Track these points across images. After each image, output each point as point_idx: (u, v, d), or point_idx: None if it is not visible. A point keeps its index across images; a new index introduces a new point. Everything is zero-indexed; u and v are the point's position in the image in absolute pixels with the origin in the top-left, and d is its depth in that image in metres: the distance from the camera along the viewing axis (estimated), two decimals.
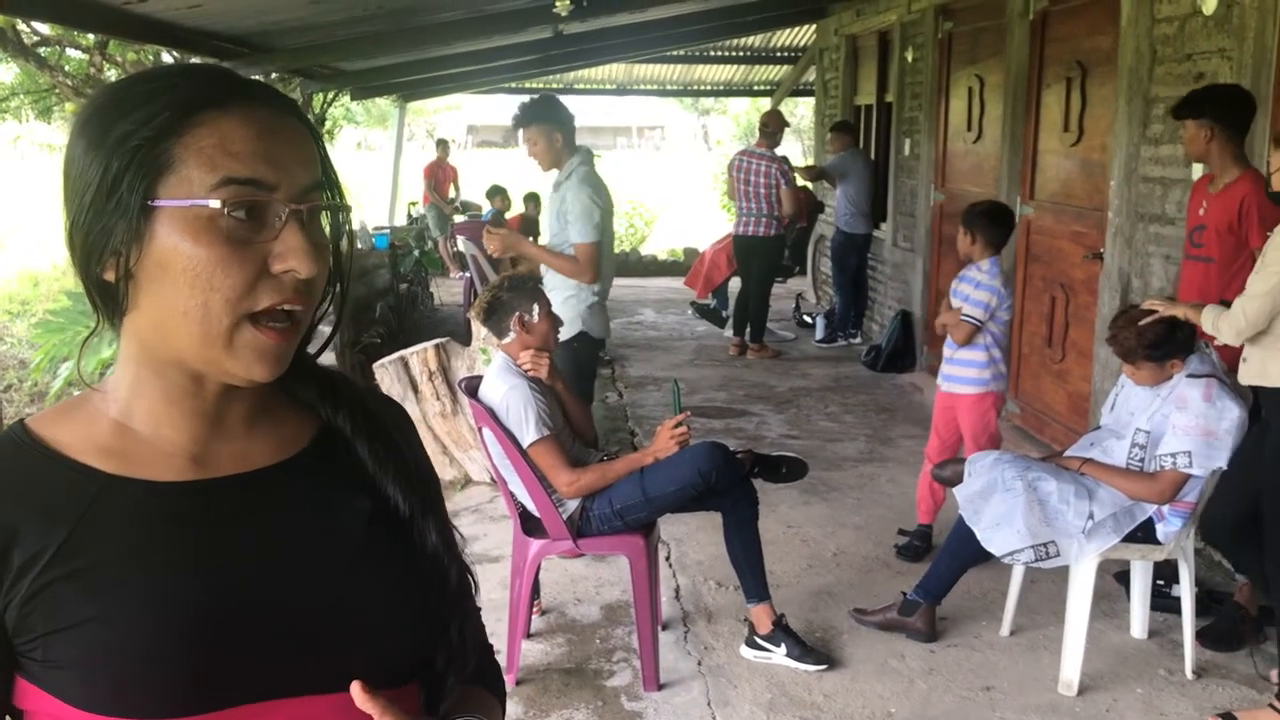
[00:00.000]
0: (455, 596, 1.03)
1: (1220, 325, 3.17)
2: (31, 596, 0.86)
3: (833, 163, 8.84)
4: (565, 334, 4.04)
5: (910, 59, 8.14)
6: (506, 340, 3.54)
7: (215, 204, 0.85)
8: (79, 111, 0.90)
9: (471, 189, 15.20)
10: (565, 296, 4.35)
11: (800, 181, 9.09)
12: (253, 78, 0.95)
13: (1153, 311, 3.39)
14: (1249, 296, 3.08)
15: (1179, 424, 3.33)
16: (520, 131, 4.45)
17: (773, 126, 8.36)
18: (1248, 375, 3.29)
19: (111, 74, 9.16)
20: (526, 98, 4.55)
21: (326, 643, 0.92)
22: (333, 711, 0.90)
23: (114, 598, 0.86)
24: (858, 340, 8.91)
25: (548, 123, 4.40)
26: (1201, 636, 3.61)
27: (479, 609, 1.08)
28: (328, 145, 1.01)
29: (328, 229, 0.94)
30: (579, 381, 4.31)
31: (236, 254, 0.86)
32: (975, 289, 4.27)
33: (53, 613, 0.86)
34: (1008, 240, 4.38)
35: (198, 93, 0.87)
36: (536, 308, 3.54)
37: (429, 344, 5.56)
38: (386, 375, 5.47)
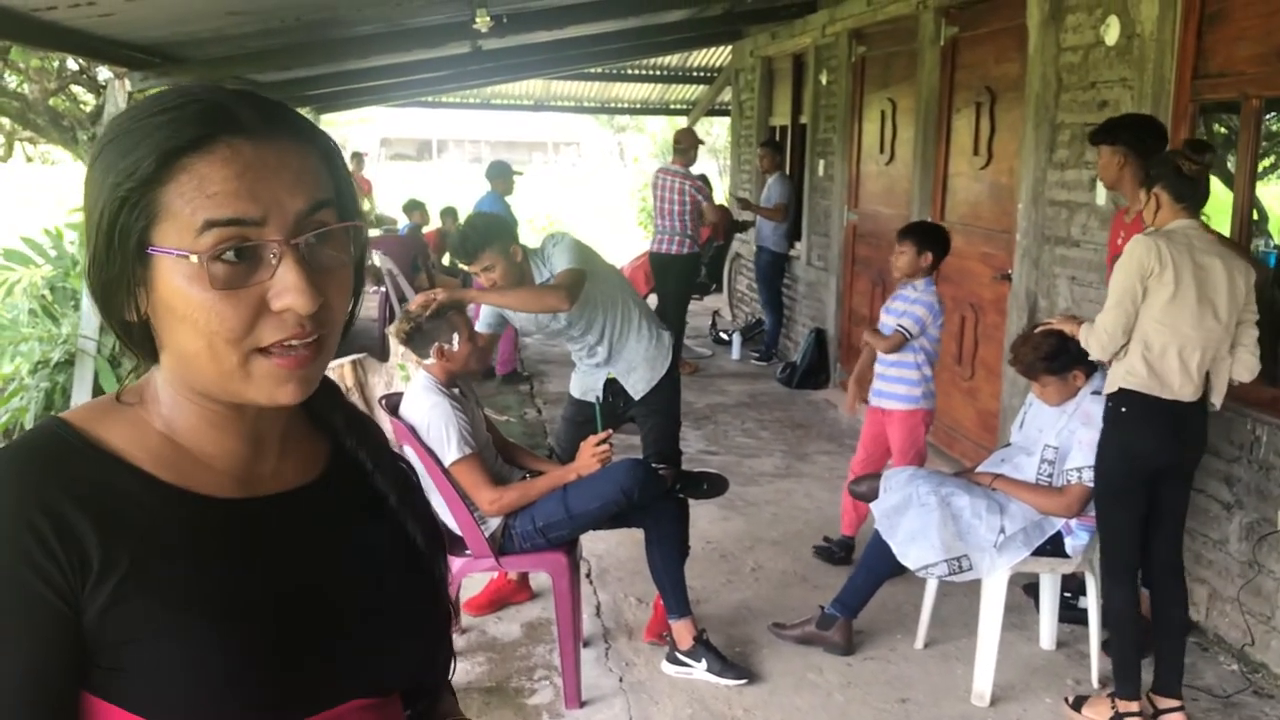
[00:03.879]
0: (444, 625, 1.09)
1: (1089, 341, 3.30)
2: (110, 605, 0.84)
3: (780, 193, 8.88)
4: (653, 379, 4.14)
5: (825, 82, 8.29)
6: (427, 363, 3.52)
7: (194, 259, 0.84)
8: (97, 141, 0.89)
9: (386, 203, 15.07)
10: (644, 346, 4.15)
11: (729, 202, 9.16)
12: (250, 94, 0.91)
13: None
14: (1104, 309, 3.23)
15: (1085, 439, 3.45)
16: (473, 265, 3.81)
17: (685, 144, 8.41)
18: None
19: (12, 80, 8.92)
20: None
21: (362, 653, 0.97)
22: (361, 712, 0.96)
23: (187, 610, 0.86)
24: (773, 359, 9.03)
25: (499, 239, 3.83)
26: (1107, 647, 3.72)
27: (452, 646, 1.14)
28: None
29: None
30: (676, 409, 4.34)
31: (230, 298, 0.85)
32: (910, 304, 4.36)
33: (125, 623, 0.85)
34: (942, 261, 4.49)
35: (180, 135, 0.85)
36: (456, 336, 3.51)
37: (345, 359, 5.50)
38: None
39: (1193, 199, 3.22)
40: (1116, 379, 3.24)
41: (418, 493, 1.09)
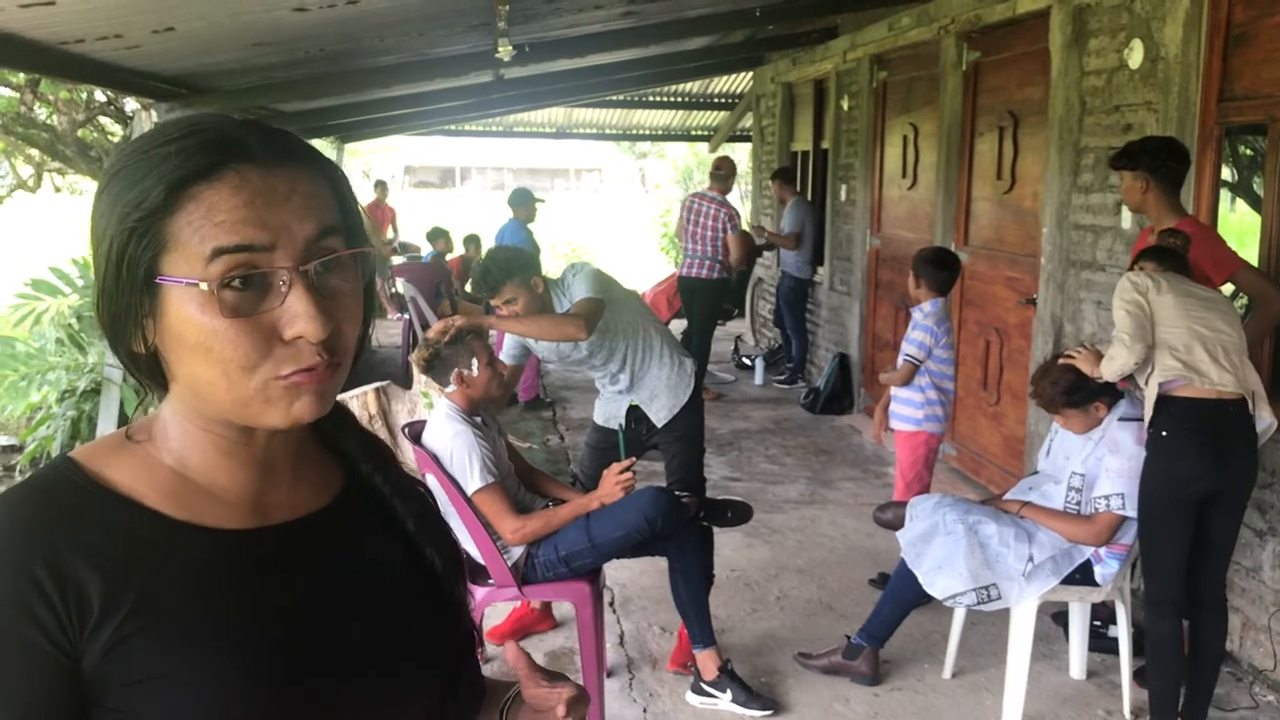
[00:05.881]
0: (467, 648, 1.07)
1: (1109, 365, 3.31)
2: (113, 646, 0.83)
3: (796, 217, 8.89)
4: (675, 406, 4.10)
5: (846, 107, 8.29)
6: (449, 390, 3.52)
7: (204, 286, 0.83)
8: (103, 173, 0.89)
9: (410, 230, 15.15)
10: (666, 374, 4.12)
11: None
12: (255, 123, 0.91)
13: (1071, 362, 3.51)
14: (1116, 328, 3.27)
15: (1112, 467, 3.41)
16: (496, 299, 3.81)
17: (725, 170, 8.39)
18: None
19: (41, 112, 9.04)
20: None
21: (381, 681, 0.95)
22: None
23: (193, 650, 0.85)
24: (797, 382, 9.00)
25: (520, 272, 3.81)
26: (1138, 676, 3.66)
27: (479, 664, 1.12)
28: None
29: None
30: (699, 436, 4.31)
31: (241, 326, 0.85)
32: (912, 330, 4.39)
33: (131, 664, 0.83)
34: (951, 284, 4.47)
35: (189, 165, 0.84)
36: (476, 362, 3.50)
37: (369, 387, 5.51)
38: None
39: (1172, 264, 3.38)
40: (1151, 394, 3.22)
41: (436, 517, 1.08)
